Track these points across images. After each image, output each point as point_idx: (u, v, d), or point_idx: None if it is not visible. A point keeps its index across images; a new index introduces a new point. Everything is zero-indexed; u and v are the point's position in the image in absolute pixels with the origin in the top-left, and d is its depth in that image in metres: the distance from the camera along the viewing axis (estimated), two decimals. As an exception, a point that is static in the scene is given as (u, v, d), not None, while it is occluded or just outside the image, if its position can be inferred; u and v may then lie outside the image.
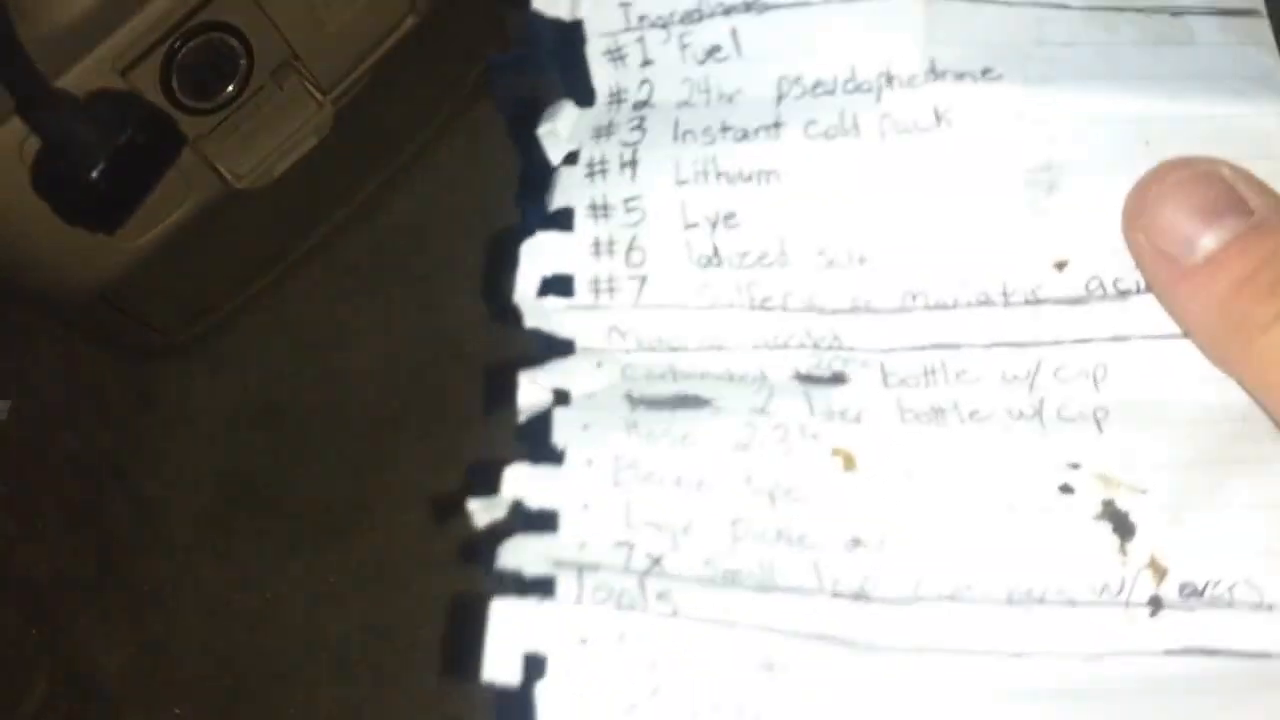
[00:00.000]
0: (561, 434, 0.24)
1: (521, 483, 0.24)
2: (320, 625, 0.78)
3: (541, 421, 0.24)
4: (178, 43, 0.49)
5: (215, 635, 0.80)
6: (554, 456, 0.24)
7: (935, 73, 0.22)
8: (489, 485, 0.24)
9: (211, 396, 0.81)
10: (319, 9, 0.53)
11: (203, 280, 0.72)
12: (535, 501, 0.24)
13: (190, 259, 0.62)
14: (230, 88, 0.51)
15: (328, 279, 0.81)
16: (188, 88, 0.50)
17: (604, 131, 0.24)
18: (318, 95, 0.54)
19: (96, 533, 0.80)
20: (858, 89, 0.22)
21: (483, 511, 0.24)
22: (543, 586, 0.23)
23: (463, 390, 0.79)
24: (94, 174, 0.35)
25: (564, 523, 0.24)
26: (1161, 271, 0.21)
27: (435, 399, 0.80)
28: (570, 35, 0.24)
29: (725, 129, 0.23)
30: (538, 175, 0.25)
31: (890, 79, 0.22)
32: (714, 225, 0.23)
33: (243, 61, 0.51)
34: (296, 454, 0.81)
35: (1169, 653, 0.22)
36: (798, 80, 0.22)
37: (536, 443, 0.24)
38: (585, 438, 0.24)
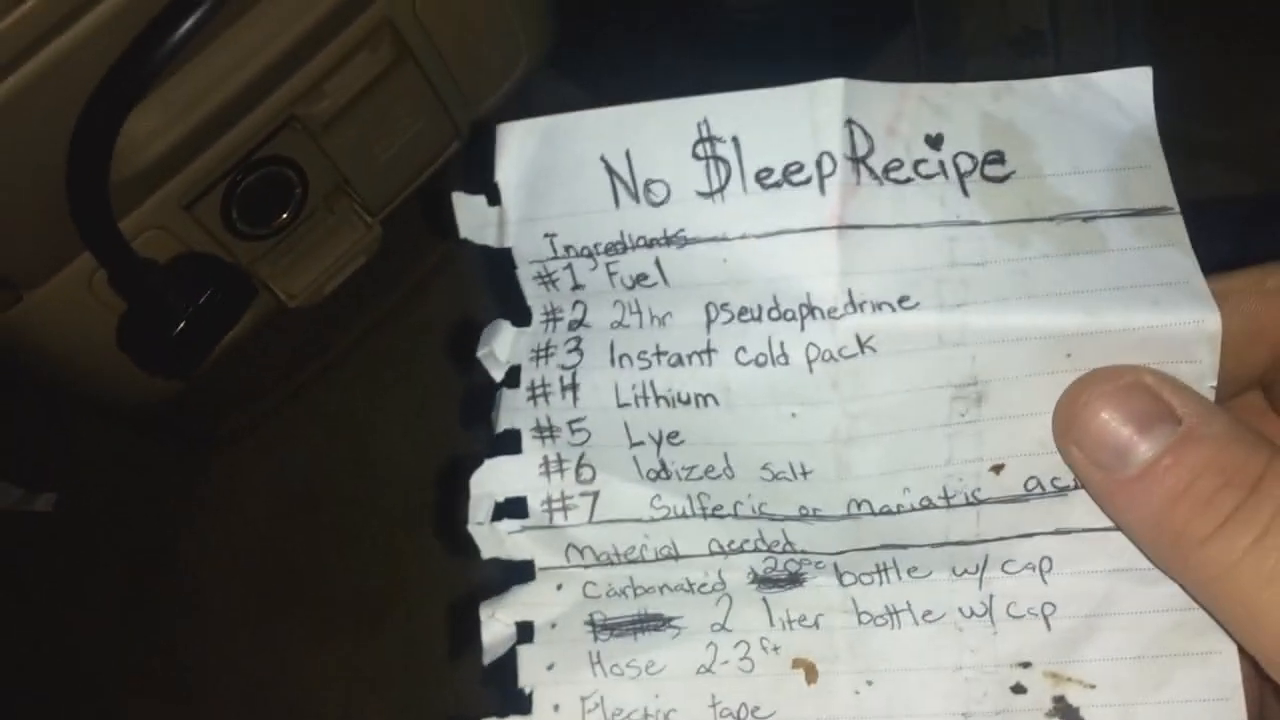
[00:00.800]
0: (527, 675, 0.25)
1: None
2: (355, 712, 0.80)
3: (507, 662, 0.25)
4: (239, 177, 0.51)
5: (252, 719, 0.81)
6: (522, 703, 0.25)
7: (854, 304, 0.21)
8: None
9: (254, 485, 0.83)
10: (371, 140, 0.55)
11: (249, 378, 0.75)
12: None
13: (240, 361, 0.64)
14: (285, 215, 0.54)
15: (366, 371, 0.84)
16: (246, 216, 0.53)
17: (542, 353, 0.24)
18: (367, 218, 0.57)
19: (140, 616, 0.82)
20: (782, 317, 0.22)
21: None
22: None
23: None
24: (175, 332, 0.38)
25: None
26: (1098, 482, 0.21)
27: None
28: (501, 261, 0.24)
29: (660, 353, 0.23)
30: (480, 397, 0.25)
31: (812, 309, 0.22)
32: (659, 444, 0.24)
33: (298, 190, 0.54)
34: (334, 542, 0.83)
35: None
36: (725, 306, 0.23)
37: (504, 687, 0.25)
38: (551, 679, 0.25)
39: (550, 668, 0.25)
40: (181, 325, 0.37)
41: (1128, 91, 0.22)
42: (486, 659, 0.25)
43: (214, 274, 0.40)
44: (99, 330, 0.49)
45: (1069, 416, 0.21)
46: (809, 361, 0.22)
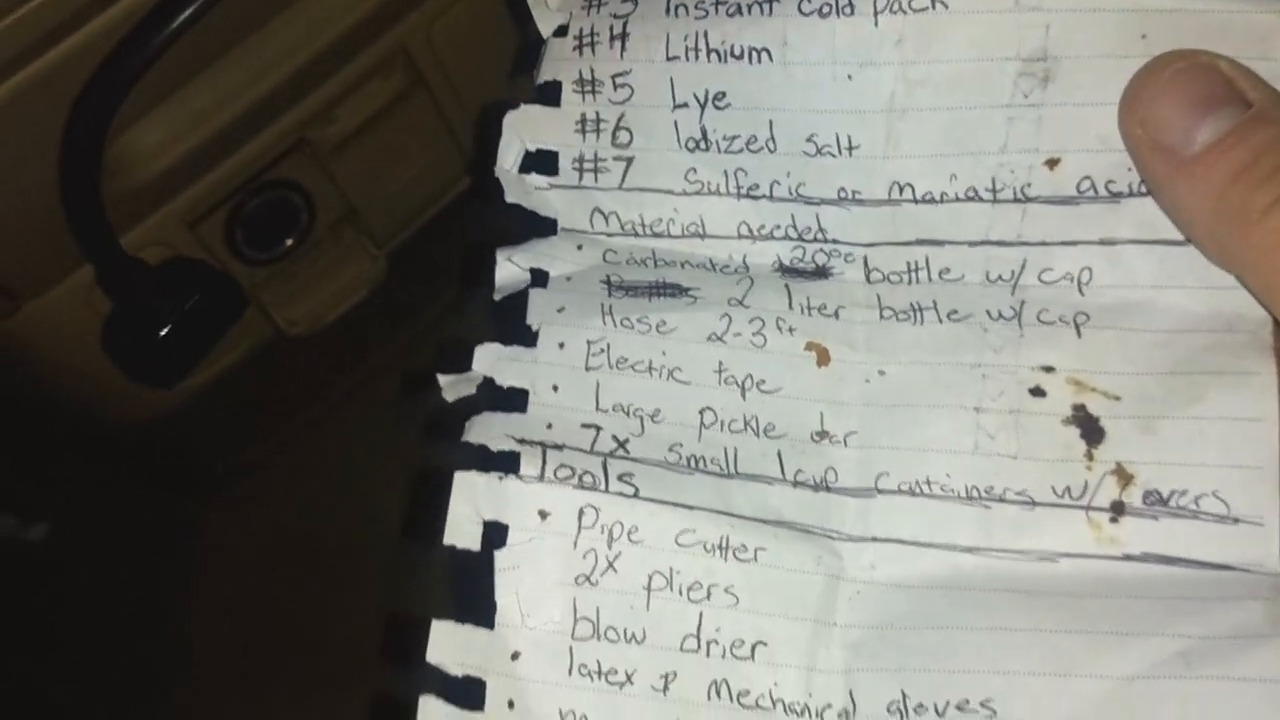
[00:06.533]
0: (536, 315, 0.24)
1: (493, 361, 0.24)
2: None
3: (517, 301, 0.24)
4: (244, 198, 0.51)
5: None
6: (527, 337, 0.24)
7: None
8: (461, 363, 0.24)
9: (247, 530, 0.82)
10: (381, 169, 0.55)
11: (244, 417, 0.73)
12: (505, 380, 0.24)
13: (235, 397, 0.63)
14: (290, 240, 0.54)
15: (367, 416, 0.83)
16: (250, 240, 0.52)
17: (595, 2, 0.24)
18: (373, 249, 0.56)
19: (124, 662, 0.80)
20: None
21: (452, 386, 0.24)
22: (507, 461, 0.23)
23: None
24: (160, 336, 0.37)
25: (533, 403, 0.24)
26: (1158, 164, 0.20)
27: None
28: None
29: (719, 2, 0.22)
30: (530, 50, 0.25)
31: None
32: (703, 106, 0.23)
33: (304, 216, 0.53)
34: (328, 590, 0.80)
35: (1127, 558, 0.21)
36: None
37: (510, 322, 0.24)
38: (560, 319, 0.24)
39: (560, 310, 0.24)
40: (167, 329, 0.36)
41: None
42: (498, 295, 0.24)
43: (203, 280, 0.40)
44: (95, 344, 0.49)
45: (1136, 94, 0.21)
46: (875, 12, 0.21)
